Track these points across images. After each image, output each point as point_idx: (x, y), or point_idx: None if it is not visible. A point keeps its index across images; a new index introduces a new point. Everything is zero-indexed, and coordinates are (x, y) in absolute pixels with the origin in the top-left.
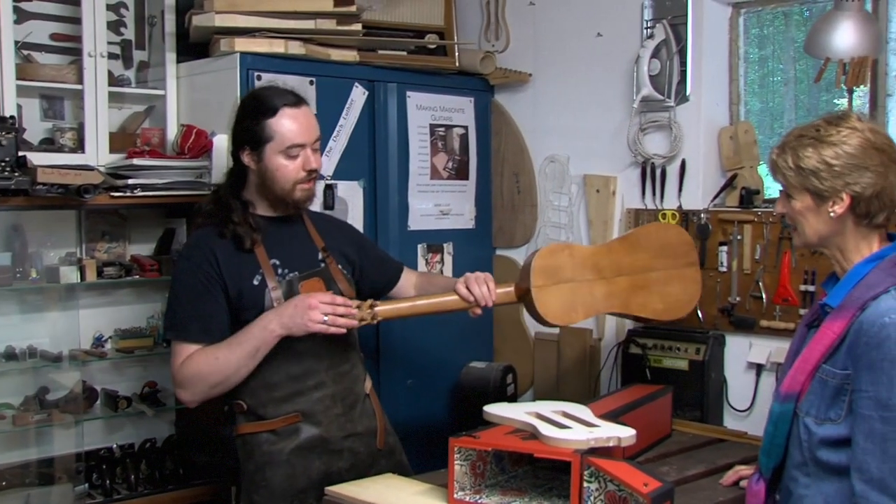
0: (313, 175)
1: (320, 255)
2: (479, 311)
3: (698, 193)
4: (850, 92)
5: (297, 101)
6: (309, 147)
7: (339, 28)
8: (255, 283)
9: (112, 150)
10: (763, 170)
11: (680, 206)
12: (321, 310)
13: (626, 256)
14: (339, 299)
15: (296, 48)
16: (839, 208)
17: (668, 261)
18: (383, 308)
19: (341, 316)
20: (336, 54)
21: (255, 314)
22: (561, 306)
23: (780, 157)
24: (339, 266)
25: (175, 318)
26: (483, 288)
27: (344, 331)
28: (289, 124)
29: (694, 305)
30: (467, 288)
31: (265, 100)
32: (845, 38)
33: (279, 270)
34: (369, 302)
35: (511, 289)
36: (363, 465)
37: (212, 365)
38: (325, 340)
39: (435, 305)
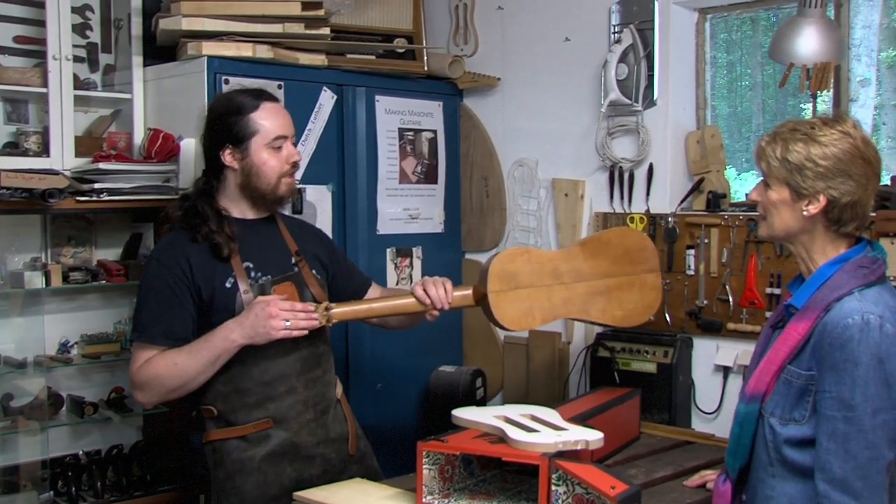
0: (296, 168)
1: (293, 259)
2: (435, 313)
3: (666, 197)
4: (814, 97)
5: (273, 96)
6: (290, 140)
7: (307, 32)
8: (228, 285)
9: (78, 154)
10: (730, 173)
11: (648, 210)
12: (282, 316)
13: (586, 262)
14: (299, 305)
15: (263, 52)
16: (813, 208)
17: (629, 267)
18: (339, 310)
19: (302, 320)
20: (304, 58)
21: (225, 317)
22: (518, 312)
23: (769, 145)
24: (313, 271)
25: (139, 319)
26: (440, 290)
27: (306, 332)
28: (272, 116)
29: (653, 312)
30: (424, 290)
31: (243, 97)
32: (808, 44)
33: (252, 274)
34: (324, 304)
35: (469, 292)
36: (335, 471)
37: (170, 370)
38: (296, 346)
39: (391, 308)
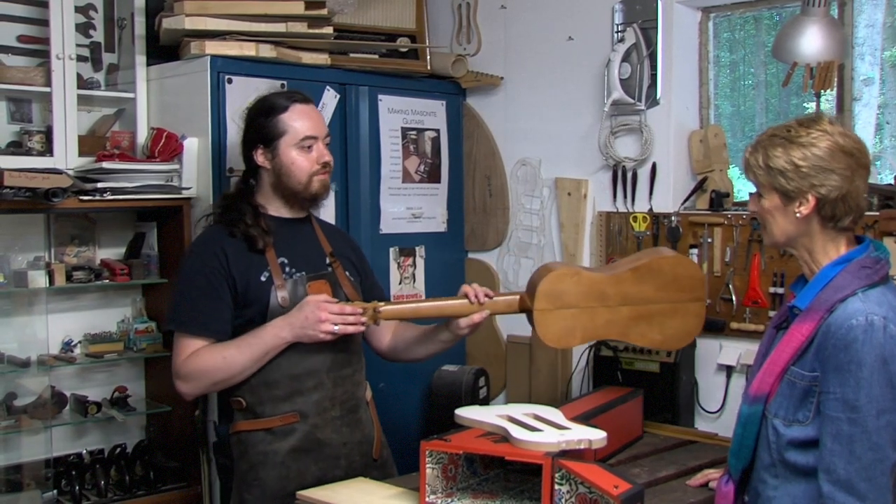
0: (327, 168)
1: (328, 260)
2: (477, 318)
3: (669, 196)
4: (818, 96)
5: (305, 98)
6: (321, 140)
7: (311, 31)
8: (262, 279)
9: (81, 153)
10: (733, 172)
11: (651, 210)
12: (332, 320)
13: (634, 287)
14: (348, 308)
15: (267, 51)
16: (805, 209)
17: (675, 294)
18: (387, 309)
19: (351, 324)
20: (307, 57)
21: (259, 310)
22: (560, 331)
23: (752, 156)
24: (347, 272)
25: (179, 311)
26: (480, 290)
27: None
28: (300, 118)
29: (692, 339)
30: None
31: (275, 99)
32: (812, 42)
33: (286, 269)
34: (373, 304)
35: (515, 298)
36: (356, 474)
37: (218, 363)
38: (328, 343)
39: (436, 308)
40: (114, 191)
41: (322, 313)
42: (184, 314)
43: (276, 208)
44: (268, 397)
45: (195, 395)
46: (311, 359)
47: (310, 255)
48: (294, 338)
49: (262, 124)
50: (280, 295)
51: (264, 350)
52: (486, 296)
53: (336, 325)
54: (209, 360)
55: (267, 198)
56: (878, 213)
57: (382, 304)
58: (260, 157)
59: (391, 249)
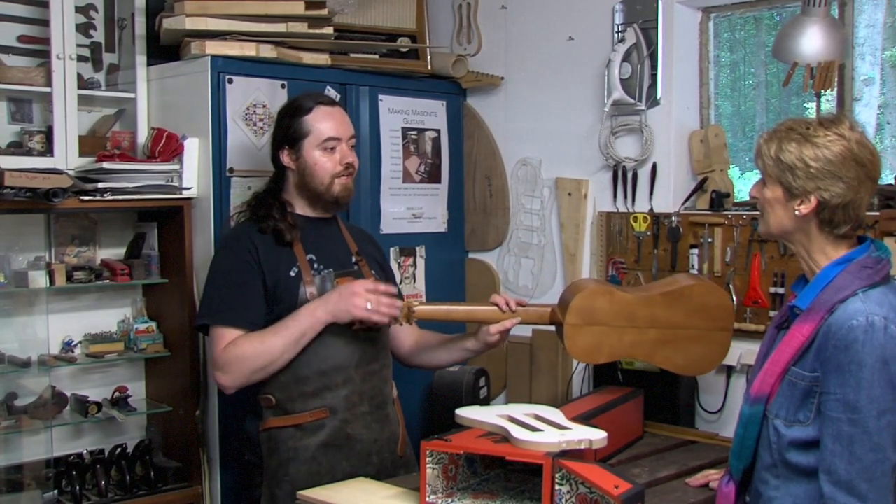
0: (350, 170)
1: (354, 259)
2: (508, 324)
3: (669, 196)
4: (818, 96)
5: (331, 101)
6: (344, 142)
7: (311, 31)
8: (292, 274)
9: (82, 153)
10: (734, 172)
11: (651, 210)
12: (364, 297)
13: (663, 311)
14: (382, 286)
15: (267, 51)
16: (804, 209)
17: (702, 321)
18: (421, 309)
19: (384, 306)
20: (308, 57)
21: (289, 305)
22: (587, 346)
23: (766, 144)
24: (372, 271)
25: (213, 304)
26: (512, 300)
27: (386, 320)
28: (324, 119)
29: (714, 368)
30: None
31: (301, 101)
32: (812, 42)
33: (315, 265)
34: (407, 303)
35: (546, 310)
36: (386, 472)
37: (256, 349)
38: (356, 338)
39: (467, 313)
40: (114, 191)
41: (356, 288)
42: (218, 306)
43: (302, 207)
44: (297, 393)
45: (235, 388)
46: (339, 354)
47: (337, 253)
48: (329, 315)
49: (288, 125)
50: (309, 290)
51: (301, 331)
52: (518, 304)
53: (369, 302)
54: (248, 347)
55: (293, 197)
56: (878, 213)
57: (416, 303)
58: (286, 158)
59: (392, 249)
